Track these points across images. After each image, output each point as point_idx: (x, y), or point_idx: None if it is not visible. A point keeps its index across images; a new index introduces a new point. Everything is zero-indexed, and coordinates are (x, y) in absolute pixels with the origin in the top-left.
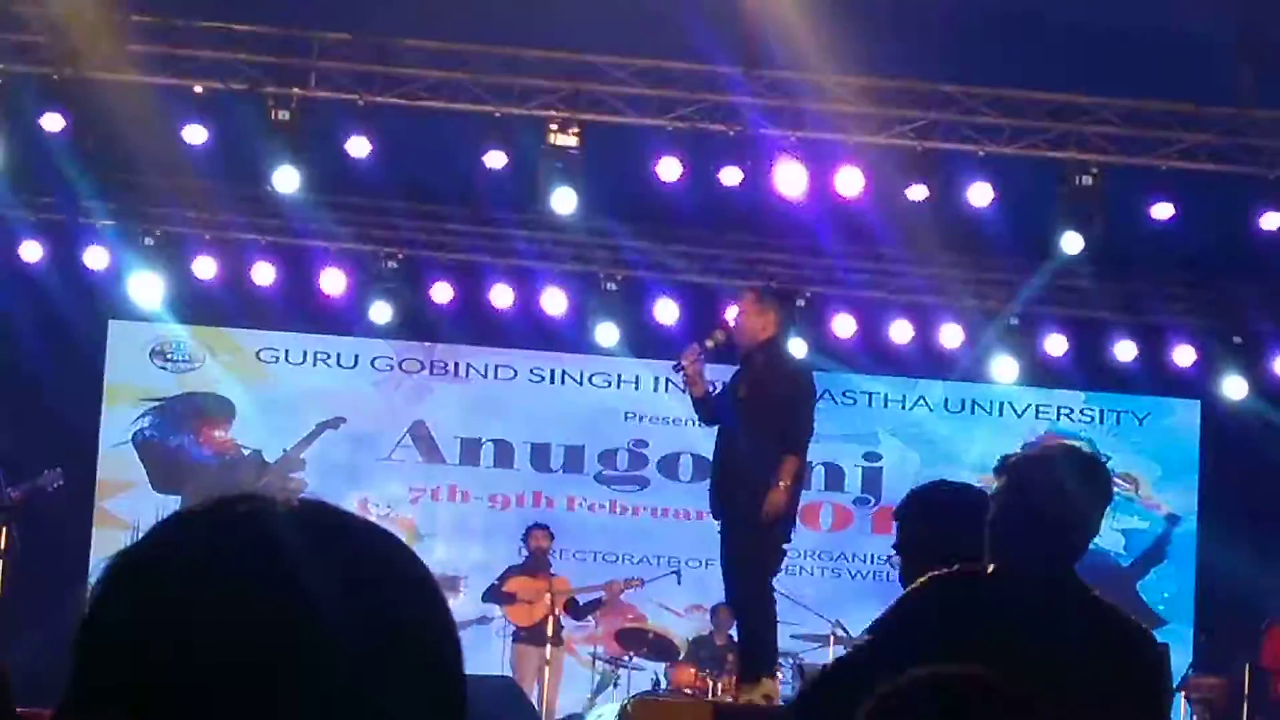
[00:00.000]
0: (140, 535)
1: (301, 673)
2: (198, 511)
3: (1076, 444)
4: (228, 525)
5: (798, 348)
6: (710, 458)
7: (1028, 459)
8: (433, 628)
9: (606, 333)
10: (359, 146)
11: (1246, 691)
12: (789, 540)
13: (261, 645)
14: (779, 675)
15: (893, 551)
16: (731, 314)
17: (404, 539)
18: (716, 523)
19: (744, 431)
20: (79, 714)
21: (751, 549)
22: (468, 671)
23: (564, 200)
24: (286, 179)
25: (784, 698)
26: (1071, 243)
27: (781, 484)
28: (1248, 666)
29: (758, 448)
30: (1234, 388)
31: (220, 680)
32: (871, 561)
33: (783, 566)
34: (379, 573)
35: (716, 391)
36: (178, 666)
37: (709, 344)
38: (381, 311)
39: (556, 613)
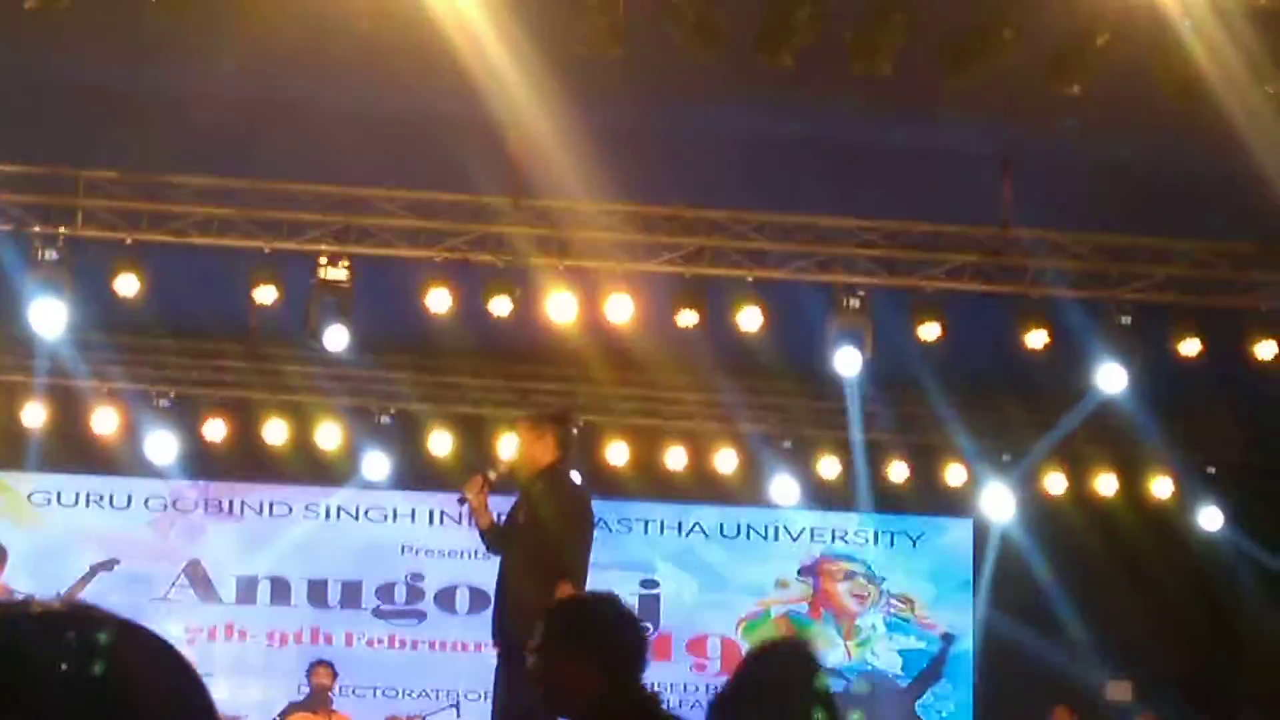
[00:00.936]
0: None
1: None
2: None
3: None
4: None
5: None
6: (486, 589)
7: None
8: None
9: (380, 466)
10: (128, 284)
11: None
12: None
13: None
14: None
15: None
16: (511, 443)
17: None
18: (494, 650)
19: (522, 558)
20: None
21: (522, 679)
22: None
23: (336, 335)
24: (54, 319)
25: None
26: (846, 363)
27: None
28: None
29: (535, 575)
30: (1005, 505)
31: None
32: (650, 688)
33: None
34: (167, 686)
35: (502, 521)
36: None
37: (491, 475)
38: (155, 450)
39: None
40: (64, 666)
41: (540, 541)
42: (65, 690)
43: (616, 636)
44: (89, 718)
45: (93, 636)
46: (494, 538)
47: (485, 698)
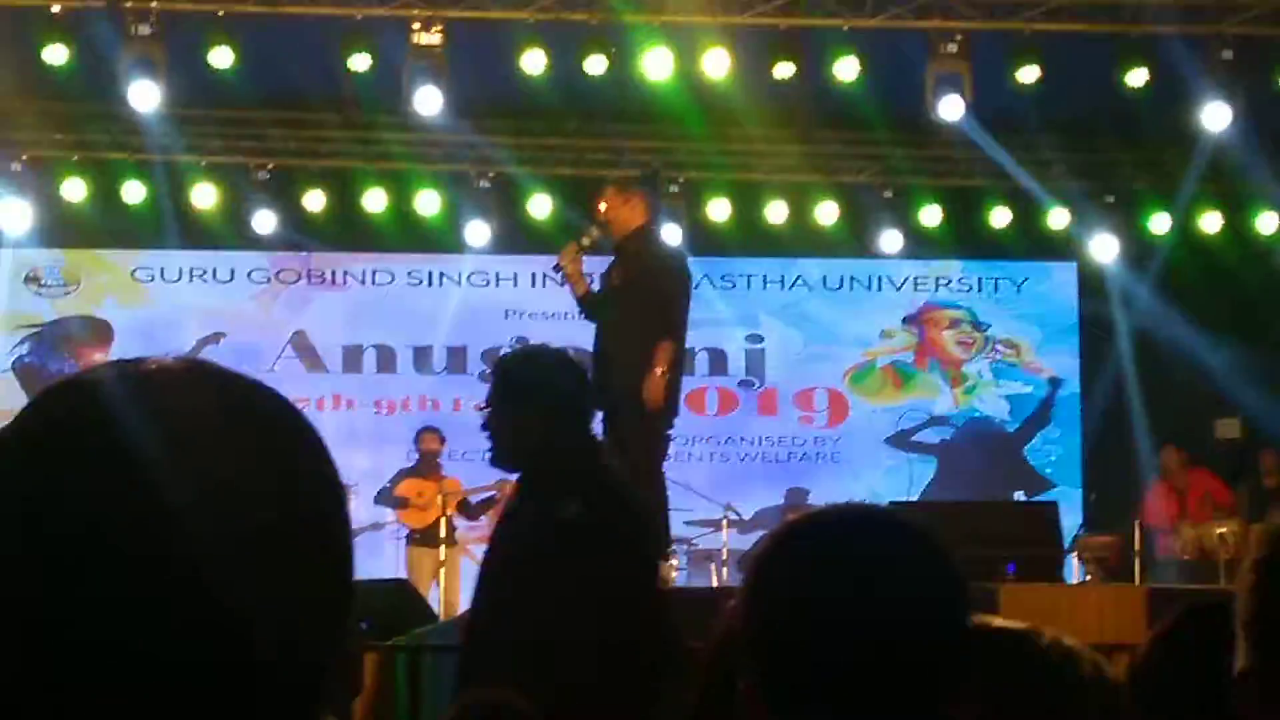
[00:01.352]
0: None
1: (184, 547)
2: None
3: None
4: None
5: (673, 234)
6: (588, 350)
7: None
8: (333, 509)
9: (481, 231)
10: (222, 57)
11: (1137, 549)
12: (671, 427)
13: (141, 519)
14: (674, 560)
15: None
16: (601, 208)
17: None
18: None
19: (620, 320)
20: None
21: (635, 437)
22: (363, 576)
23: (430, 100)
24: (149, 95)
25: (678, 583)
26: (949, 108)
27: (658, 370)
28: (1136, 524)
29: (634, 335)
30: (1109, 247)
31: (100, 560)
32: (759, 444)
33: (670, 453)
34: (287, 445)
35: (597, 286)
36: (54, 543)
37: (585, 241)
38: (256, 223)
39: (449, 514)
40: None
41: (638, 302)
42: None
43: (559, 389)
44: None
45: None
46: (590, 304)
47: None
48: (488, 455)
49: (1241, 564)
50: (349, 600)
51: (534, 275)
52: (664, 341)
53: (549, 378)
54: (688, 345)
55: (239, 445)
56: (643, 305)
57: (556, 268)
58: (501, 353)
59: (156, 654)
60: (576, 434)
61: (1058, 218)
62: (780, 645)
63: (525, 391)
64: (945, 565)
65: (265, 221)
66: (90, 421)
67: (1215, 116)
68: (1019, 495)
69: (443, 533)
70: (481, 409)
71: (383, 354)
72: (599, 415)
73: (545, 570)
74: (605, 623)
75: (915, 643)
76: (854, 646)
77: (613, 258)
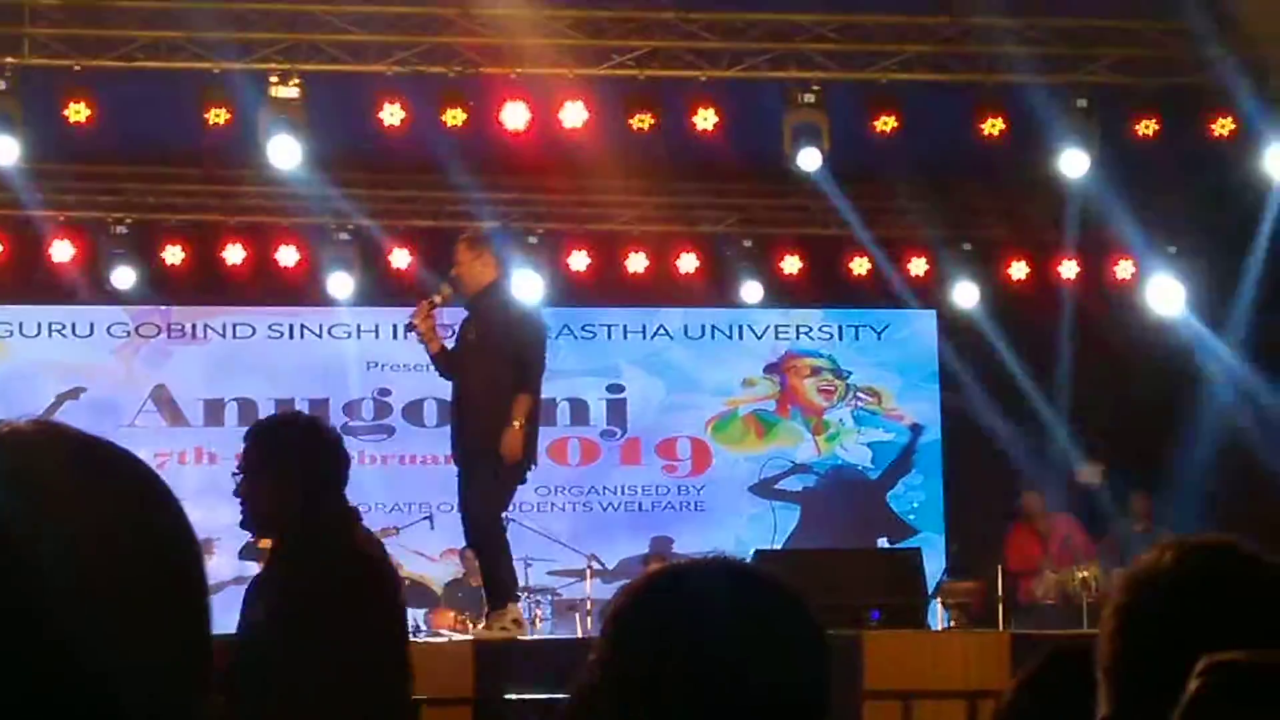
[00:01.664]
0: None
1: (43, 611)
2: None
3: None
4: None
5: (533, 285)
6: (450, 402)
7: None
8: (184, 552)
9: (341, 283)
10: (79, 112)
11: (1000, 594)
12: (524, 480)
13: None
14: (539, 610)
15: None
16: (452, 264)
17: None
18: (455, 468)
19: (477, 375)
20: None
21: (484, 488)
22: (228, 630)
23: (288, 153)
24: (6, 149)
25: (545, 634)
26: (807, 158)
27: (516, 423)
28: (999, 569)
29: (491, 390)
30: (967, 294)
31: None
32: (622, 493)
33: (533, 503)
34: (132, 498)
35: (452, 344)
36: None
37: (437, 299)
38: (115, 277)
39: None
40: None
41: (494, 357)
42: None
43: (310, 457)
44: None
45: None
46: (444, 361)
47: (456, 509)
48: (239, 521)
49: (1103, 610)
50: (208, 655)
51: (395, 326)
52: (521, 395)
53: (301, 445)
54: (549, 395)
55: (94, 504)
56: (498, 359)
57: (410, 326)
58: (257, 420)
59: (17, 712)
60: (328, 501)
61: (917, 266)
62: (638, 698)
63: (276, 459)
64: (804, 617)
65: (124, 276)
66: None
67: (1072, 164)
68: (883, 542)
69: None
70: (234, 475)
71: (244, 407)
72: (455, 468)
73: (290, 636)
74: (346, 686)
75: (774, 695)
76: (712, 700)
77: (466, 314)
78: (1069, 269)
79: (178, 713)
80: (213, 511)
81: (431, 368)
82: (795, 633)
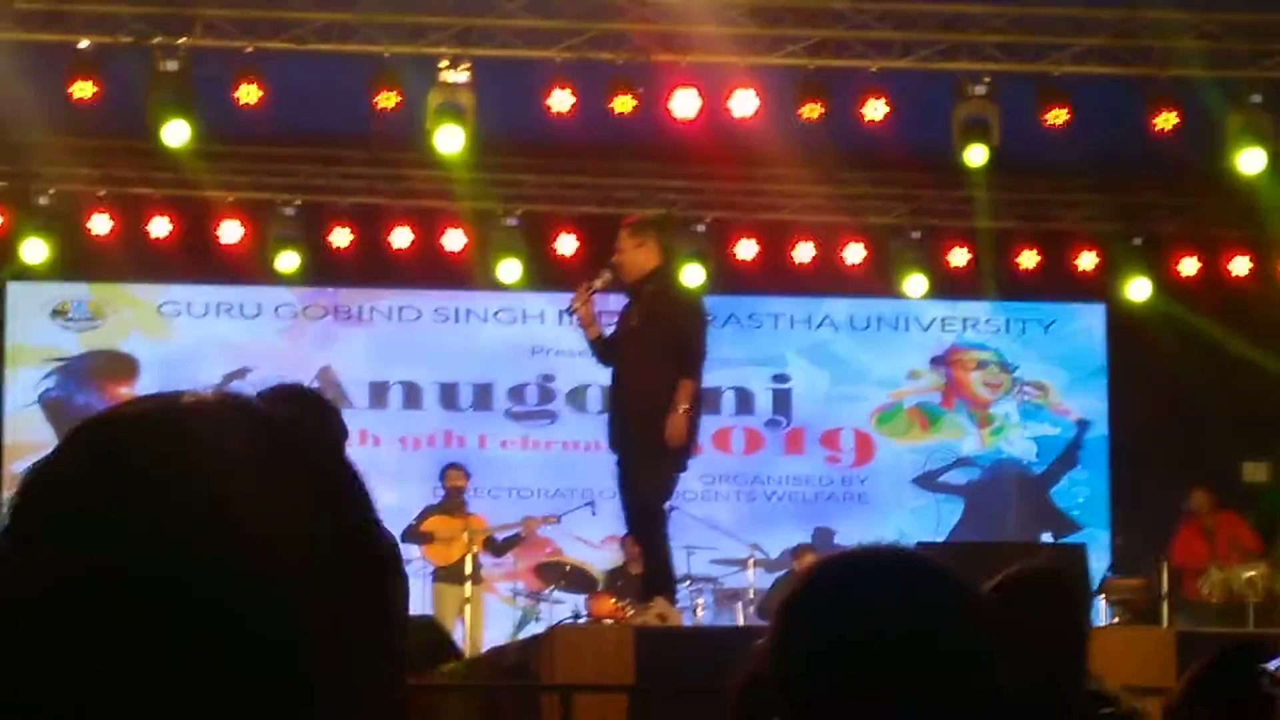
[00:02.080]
0: None
1: (225, 579)
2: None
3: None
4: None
5: (699, 273)
6: None
7: None
8: (369, 529)
9: (508, 268)
10: (249, 94)
11: (1164, 591)
12: (685, 467)
13: (183, 549)
14: (699, 600)
15: None
16: (617, 250)
17: None
18: (614, 455)
19: (638, 361)
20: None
21: (647, 477)
22: None
23: (457, 138)
24: (177, 131)
25: (704, 622)
26: (974, 153)
27: (682, 408)
28: (1164, 566)
29: (653, 376)
30: (1137, 289)
31: (142, 588)
32: (785, 483)
33: (696, 491)
34: (317, 471)
35: (612, 330)
36: (96, 574)
37: (597, 284)
38: (282, 259)
39: (475, 551)
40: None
41: (656, 343)
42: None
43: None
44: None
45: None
46: (602, 348)
47: (619, 496)
48: None
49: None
50: (395, 631)
51: (560, 312)
52: (685, 380)
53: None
54: (714, 384)
55: (275, 477)
56: (659, 346)
57: (570, 310)
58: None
59: (206, 684)
60: None
61: (1086, 260)
62: (809, 686)
63: None
64: (975, 607)
65: (292, 258)
66: (134, 454)
67: (1246, 160)
68: (1046, 537)
69: (468, 570)
70: None
71: (409, 390)
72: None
73: None
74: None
75: (945, 684)
76: (884, 688)
77: (628, 300)
78: (1241, 265)
79: (367, 690)
80: (377, 494)
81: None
82: (965, 623)
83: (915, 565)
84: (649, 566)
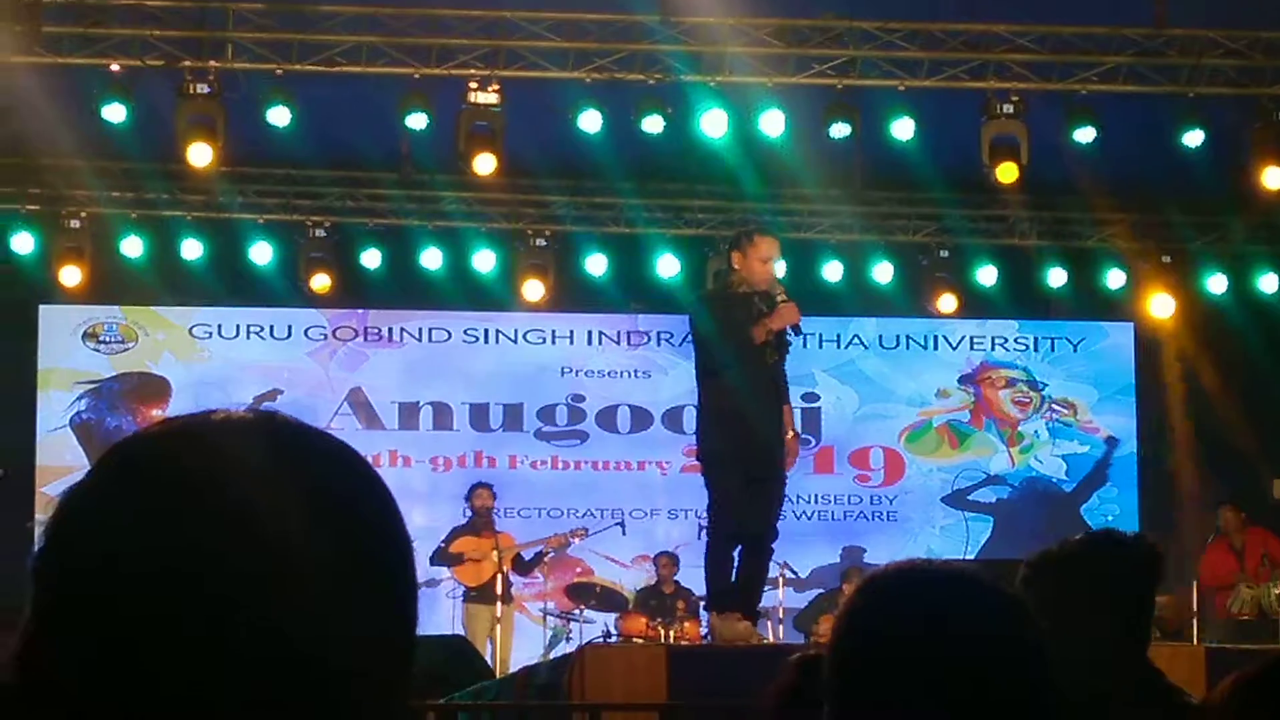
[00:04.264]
0: None
1: (249, 593)
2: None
3: None
4: (187, 438)
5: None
6: (647, 408)
7: None
8: (392, 554)
9: (537, 289)
10: (280, 116)
11: (1194, 608)
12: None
13: (208, 562)
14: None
15: None
16: (778, 269)
17: None
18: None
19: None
20: (37, 648)
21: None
22: (420, 633)
23: (487, 159)
24: (205, 153)
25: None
26: (1005, 172)
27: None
28: (1194, 584)
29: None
30: (1165, 307)
31: (167, 600)
32: (815, 501)
33: None
34: (346, 492)
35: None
36: (125, 585)
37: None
38: (313, 281)
39: (505, 570)
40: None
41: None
42: (283, 490)
43: None
44: (304, 520)
45: (302, 442)
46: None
47: (650, 515)
48: None
49: None
50: (406, 648)
51: (590, 332)
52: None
53: None
54: None
55: (301, 491)
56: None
57: (797, 329)
58: None
59: (233, 690)
60: None
61: (1114, 278)
62: (863, 675)
63: None
64: (1026, 623)
65: (322, 279)
66: (170, 471)
67: (1272, 177)
68: None
69: (498, 589)
70: None
71: (439, 411)
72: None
73: None
74: None
75: (994, 689)
76: (935, 686)
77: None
78: (1269, 282)
79: (376, 702)
80: (406, 514)
81: (625, 373)
82: (1015, 637)
83: (967, 576)
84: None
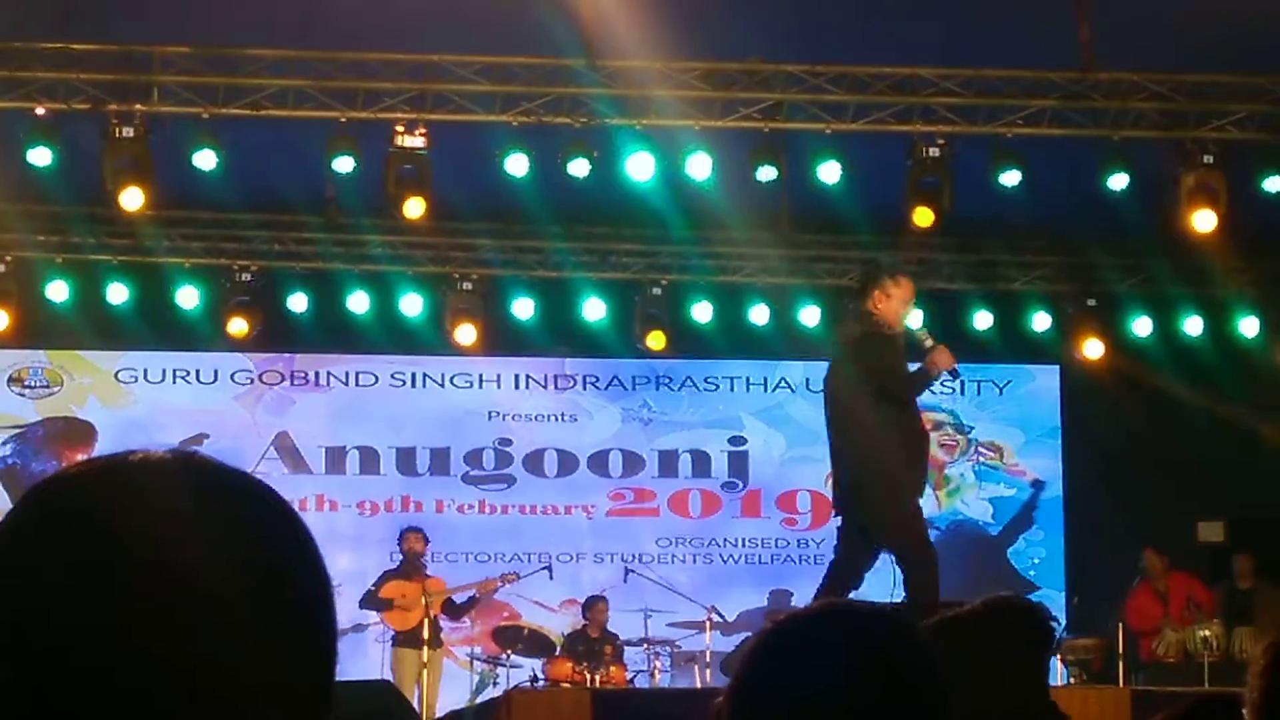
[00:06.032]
0: None
1: (165, 633)
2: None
3: None
4: (101, 479)
5: (656, 339)
6: (574, 452)
7: None
8: (309, 592)
9: (470, 333)
10: (206, 159)
11: (1121, 651)
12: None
13: (124, 602)
14: (641, 655)
15: None
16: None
17: None
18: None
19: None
20: None
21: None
22: (347, 678)
23: (415, 203)
24: (134, 197)
25: (661, 684)
26: (922, 216)
27: None
28: (1120, 626)
29: None
30: (1091, 349)
31: (83, 639)
32: (741, 545)
33: (654, 555)
34: (263, 529)
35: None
36: (40, 624)
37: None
38: (239, 325)
39: (434, 615)
40: (198, 508)
41: None
42: (200, 529)
43: None
44: (221, 557)
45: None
46: None
47: (576, 559)
48: None
49: (1249, 671)
50: (324, 691)
51: (517, 376)
52: None
53: None
54: (671, 448)
55: (219, 531)
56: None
57: (955, 374)
58: None
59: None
60: None
61: (1040, 320)
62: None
63: None
64: (928, 659)
65: (248, 323)
66: (80, 514)
67: (1198, 220)
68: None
69: (426, 634)
70: None
71: (366, 455)
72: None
73: None
74: None
75: None
76: None
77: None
78: (1194, 324)
79: None
80: (333, 559)
81: (551, 416)
82: (918, 675)
83: (868, 616)
84: None
